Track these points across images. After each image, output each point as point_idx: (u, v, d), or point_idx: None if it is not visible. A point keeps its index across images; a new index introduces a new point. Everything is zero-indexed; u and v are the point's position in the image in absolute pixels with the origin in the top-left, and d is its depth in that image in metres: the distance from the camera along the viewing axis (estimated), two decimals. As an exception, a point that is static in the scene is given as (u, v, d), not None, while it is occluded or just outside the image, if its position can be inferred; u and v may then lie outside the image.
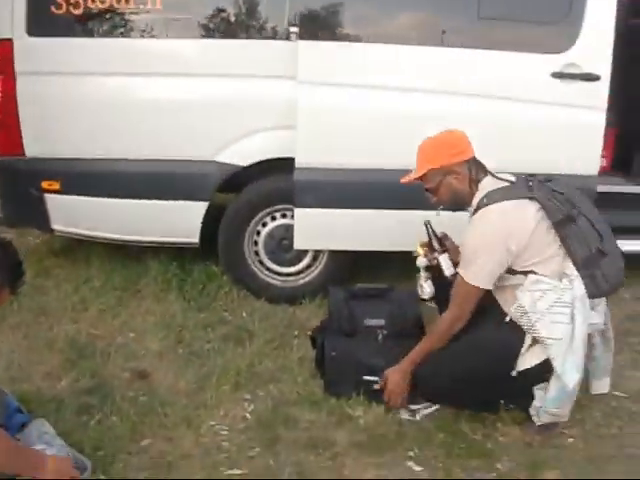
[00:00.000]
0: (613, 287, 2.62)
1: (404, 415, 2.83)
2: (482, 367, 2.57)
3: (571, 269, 2.54)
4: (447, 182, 2.66)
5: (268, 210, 3.68)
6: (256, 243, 3.75)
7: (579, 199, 2.62)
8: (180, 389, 2.97)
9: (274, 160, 3.56)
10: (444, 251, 2.85)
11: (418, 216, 3.45)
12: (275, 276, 3.80)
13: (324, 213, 3.52)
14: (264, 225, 3.73)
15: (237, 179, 3.62)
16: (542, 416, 2.64)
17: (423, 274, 2.88)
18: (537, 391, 2.62)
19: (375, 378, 2.78)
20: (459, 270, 2.62)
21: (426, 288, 2.87)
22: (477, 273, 2.56)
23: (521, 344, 2.56)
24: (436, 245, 2.85)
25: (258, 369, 3.13)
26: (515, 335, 2.57)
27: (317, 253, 3.75)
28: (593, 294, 2.56)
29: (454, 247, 2.92)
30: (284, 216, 3.70)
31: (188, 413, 2.77)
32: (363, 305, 2.92)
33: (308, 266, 3.78)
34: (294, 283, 3.80)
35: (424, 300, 2.93)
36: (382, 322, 2.85)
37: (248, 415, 2.82)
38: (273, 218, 3.72)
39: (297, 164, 3.40)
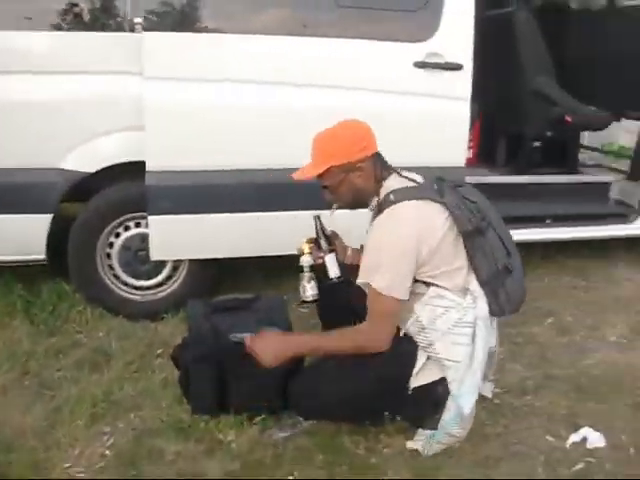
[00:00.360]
0: (515, 307, 2.49)
1: (280, 434, 2.61)
2: (372, 384, 2.38)
3: (475, 285, 2.38)
4: (349, 180, 2.38)
5: (120, 219, 3.37)
6: (109, 256, 3.42)
7: (489, 210, 2.46)
8: (27, 428, 2.62)
9: (124, 165, 3.26)
10: (332, 250, 2.64)
11: (285, 218, 3.31)
12: (133, 290, 3.49)
13: (181, 220, 3.25)
14: (117, 236, 3.41)
15: (84, 187, 3.28)
16: (434, 445, 2.48)
17: (307, 274, 2.63)
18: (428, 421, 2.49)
19: (244, 335, 2.47)
20: (369, 282, 2.30)
21: (308, 289, 2.64)
22: (394, 282, 2.27)
23: (414, 359, 2.40)
24: (324, 243, 2.64)
25: (117, 396, 2.83)
26: (409, 350, 2.40)
27: (177, 263, 3.48)
28: (494, 313, 2.42)
29: (342, 248, 2.72)
30: (138, 225, 3.40)
31: (37, 457, 2.45)
32: (228, 319, 2.67)
33: (168, 277, 3.50)
34: (154, 297, 3.51)
35: (305, 302, 2.70)
36: (249, 335, 2.59)
37: (107, 451, 2.53)
38: (126, 228, 3.41)
39: (148, 168, 3.11)
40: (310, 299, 2.66)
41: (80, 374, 2.97)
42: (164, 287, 3.50)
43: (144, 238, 3.35)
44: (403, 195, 2.32)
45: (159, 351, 3.21)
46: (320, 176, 2.38)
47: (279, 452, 2.52)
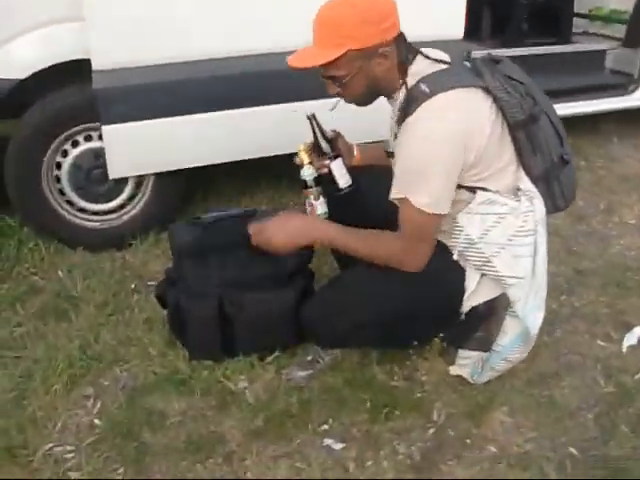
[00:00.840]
0: (569, 202, 2.08)
1: (299, 373, 2.22)
2: (413, 305, 1.95)
3: (527, 183, 1.94)
4: (368, 69, 1.84)
5: (66, 134, 2.78)
6: (59, 179, 2.85)
7: (537, 91, 1.98)
8: None
9: (62, 65, 2.63)
10: (337, 155, 2.14)
11: (263, 114, 2.79)
12: (91, 217, 2.95)
13: (140, 127, 2.69)
14: (65, 154, 2.83)
15: (15, 99, 2.67)
16: (486, 372, 2.12)
17: (313, 189, 2.14)
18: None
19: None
20: (407, 196, 1.83)
21: (318, 208, 2.15)
22: (438, 197, 1.82)
23: (463, 281, 1.98)
24: (325, 147, 2.13)
25: (95, 349, 2.36)
26: (457, 271, 1.98)
27: (140, 179, 2.93)
28: (548, 211, 2.01)
29: (348, 148, 2.23)
30: (89, 139, 2.83)
31: (10, 441, 1.98)
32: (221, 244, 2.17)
33: (131, 197, 2.96)
34: (117, 221, 2.98)
35: None
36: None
37: (96, 420, 2.09)
38: (75, 144, 2.83)
39: (94, 67, 2.52)
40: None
41: (45, 327, 2.47)
42: (127, 209, 2.98)
43: (98, 154, 2.79)
44: (437, 84, 1.82)
45: (133, 285, 2.73)
46: (327, 64, 1.84)
47: (305, 397, 2.12)
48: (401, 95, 1.90)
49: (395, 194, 1.87)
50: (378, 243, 1.94)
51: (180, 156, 2.84)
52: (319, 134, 2.13)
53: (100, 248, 2.93)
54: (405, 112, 1.87)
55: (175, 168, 2.85)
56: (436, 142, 1.77)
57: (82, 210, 2.92)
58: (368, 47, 1.80)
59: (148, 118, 2.69)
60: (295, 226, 1.99)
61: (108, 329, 2.45)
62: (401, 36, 1.87)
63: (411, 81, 1.87)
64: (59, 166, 2.83)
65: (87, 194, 2.89)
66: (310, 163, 2.14)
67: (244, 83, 2.74)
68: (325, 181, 2.16)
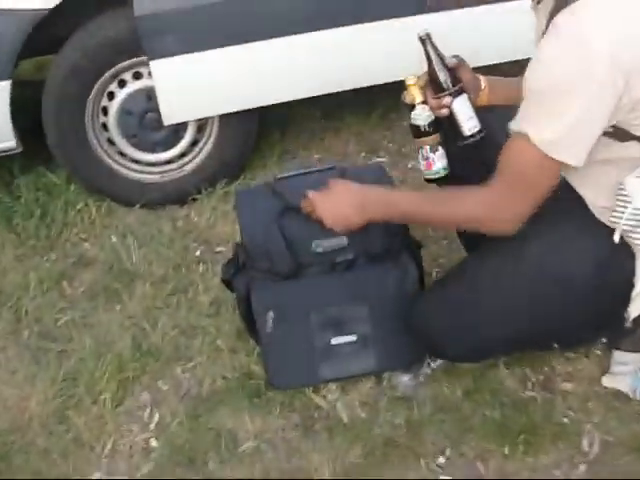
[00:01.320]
0: None
1: (407, 381, 1.72)
2: (571, 310, 1.43)
3: None
4: None
5: (110, 73, 2.29)
6: (106, 127, 2.38)
7: None
8: (30, 411, 1.76)
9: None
10: (460, 91, 1.55)
11: (357, 34, 2.22)
12: (148, 169, 2.48)
13: (199, 60, 2.17)
14: (111, 97, 2.34)
15: (47, 34, 2.17)
16: None
17: (429, 138, 1.58)
18: None
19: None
20: (522, 128, 1.31)
21: (435, 161, 1.59)
22: (566, 137, 1.27)
23: (633, 272, 1.41)
24: (445, 80, 1.55)
25: (152, 341, 1.94)
26: (624, 258, 1.40)
27: (202, 121, 2.42)
28: None
29: (473, 81, 1.61)
30: (138, 76, 2.32)
31: (49, 469, 1.60)
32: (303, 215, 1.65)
33: (193, 143, 2.46)
34: (178, 173, 2.50)
35: (429, 181, 1.65)
36: (343, 240, 1.61)
37: (153, 441, 1.69)
38: (122, 84, 2.34)
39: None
40: (438, 175, 1.63)
41: (94, 311, 2.07)
42: (189, 157, 2.49)
43: (150, 94, 2.30)
44: None
45: (198, 252, 2.28)
46: None
47: (414, 416, 1.64)
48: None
49: (514, 125, 1.32)
50: (456, 200, 1.45)
51: (251, 93, 2.32)
52: (436, 62, 1.54)
53: (159, 205, 2.47)
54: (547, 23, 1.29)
55: (245, 108, 2.33)
56: (570, 68, 1.22)
57: (137, 162, 2.46)
58: None
59: (208, 48, 2.17)
60: (345, 203, 1.52)
61: (167, 314, 2.02)
62: None
63: None
64: (105, 112, 2.35)
65: (141, 142, 2.42)
66: (424, 102, 1.57)
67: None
68: (444, 126, 1.60)
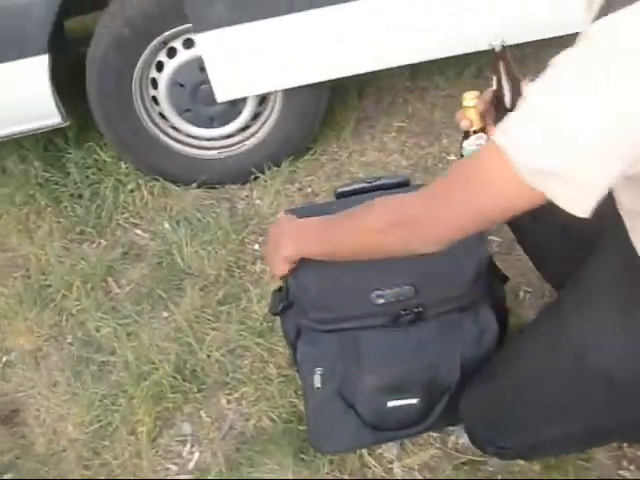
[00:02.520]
0: None
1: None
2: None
3: None
4: None
5: (158, 40, 2.01)
6: (156, 101, 2.12)
7: None
8: (67, 435, 1.67)
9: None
10: None
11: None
12: (204, 145, 2.23)
13: (251, 31, 1.87)
14: (160, 69, 2.07)
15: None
16: None
17: None
18: None
19: None
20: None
21: None
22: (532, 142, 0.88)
23: None
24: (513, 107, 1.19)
25: (197, 362, 1.75)
26: None
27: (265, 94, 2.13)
28: None
29: None
30: (189, 44, 2.04)
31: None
32: None
33: (255, 117, 2.18)
34: (238, 149, 2.23)
35: None
36: (410, 290, 1.32)
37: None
38: (171, 53, 2.06)
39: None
40: None
41: (138, 316, 1.88)
42: (251, 131, 2.21)
43: (203, 65, 2.01)
44: None
45: (256, 246, 2.04)
46: None
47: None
48: None
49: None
50: (360, 222, 1.12)
51: (315, 66, 2.00)
52: (506, 82, 1.20)
53: (218, 183, 2.23)
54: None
55: (307, 83, 2.02)
56: (590, 76, 0.83)
57: (191, 137, 2.20)
58: None
59: (262, 17, 1.85)
60: (279, 235, 1.29)
61: (216, 328, 1.81)
62: None
63: None
64: (155, 85, 2.09)
65: (195, 117, 2.16)
66: (483, 130, 1.23)
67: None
68: None
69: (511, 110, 1.04)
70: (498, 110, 1.21)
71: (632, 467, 1.39)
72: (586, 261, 1.17)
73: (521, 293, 1.75)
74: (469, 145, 1.25)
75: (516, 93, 1.18)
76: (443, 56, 2.01)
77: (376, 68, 2.03)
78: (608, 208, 1.11)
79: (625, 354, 1.07)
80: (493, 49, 1.18)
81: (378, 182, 1.47)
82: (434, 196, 1.02)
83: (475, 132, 1.23)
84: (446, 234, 1.01)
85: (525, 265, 1.79)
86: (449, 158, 2.19)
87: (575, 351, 1.12)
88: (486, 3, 1.89)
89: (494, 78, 1.20)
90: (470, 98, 1.22)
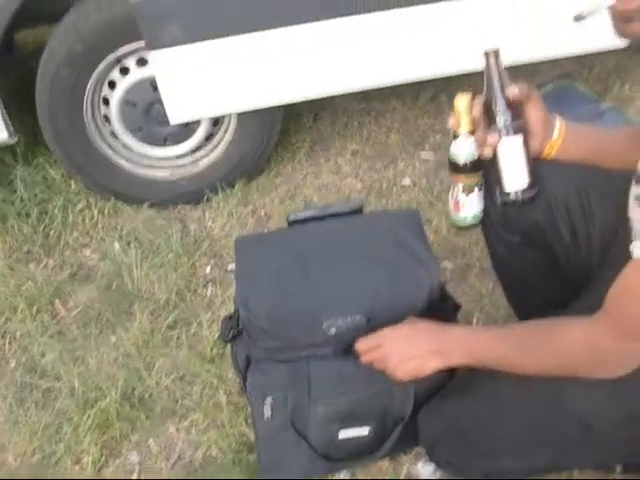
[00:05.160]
0: None
1: (427, 468, 1.45)
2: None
3: None
4: None
5: (111, 58, 1.98)
6: (108, 119, 2.09)
7: None
8: (7, 467, 1.60)
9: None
10: (518, 129, 1.17)
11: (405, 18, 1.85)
12: (157, 164, 2.19)
13: (205, 50, 1.84)
14: (112, 87, 2.04)
15: (37, 11, 1.88)
16: None
17: (466, 176, 1.27)
18: None
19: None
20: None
21: (465, 205, 1.29)
22: None
23: None
24: (501, 111, 1.17)
25: (146, 389, 1.70)
26: None
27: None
28: None
29: (542, 121, 1.18)
30: (142, 63, 2.01)
31: None
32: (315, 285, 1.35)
33: (207, 137, 2.15)
34: (191, 170, 2.21)
35: (460, 228, 1.36)
36: (362, 319, 1.30)
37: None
38: (124, 71, 2.02)
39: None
40: (464, 223, 1.32)
41: (85, 341, 1.83)
42: (203, 152, 2.19)
43: (156, 84, 1.98)
44: None
45: (208, 269, 2.01)
46: None
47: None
48: None
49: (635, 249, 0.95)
50: (552, 346, 1.08)
51: (270, 89, 1.98)
52: (495, 87, 1.18)
53: (171, 203, 2.20)
54: None
55: (263, 106, 2.01)
56: None
57: (143, 157, 2.17)
58: None
59: (218, 36, 1.83)
60: (421, 348, 1.20)
61: (165, 354, 1.77)
62: None
63: None
64: (107, 103, 2.06)
65: (149, 136, 2.13)
66: (472, 132, 1.23)
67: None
68: (489, 169, 1.25)
69: (502, 123, 1.12)
70: (487, 115, 1.20)
71: None
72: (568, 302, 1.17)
73: (474, 320, 1.75)
74: (455, 146, 1.25)
75: (502, 98, 1.18)
76: (397, 83, 2.02)
77: (331, 93, 2.03)
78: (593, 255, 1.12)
79: (607, 405, 1.07)
80: (485, 53, 1.17)
81: (331, 209, 1.47)
82: (619, 336, 1.00)
83: (463, 134, 1.23)
84: (631, 365, 1.03)
85: (479, 292, 1.81)
86: (403, 182, 2.20)
87: (552, 393, 1.11)
88: (441, 31, 1.90)
89: (485, 84, 1.20)
90: (461, 101, 1.21)
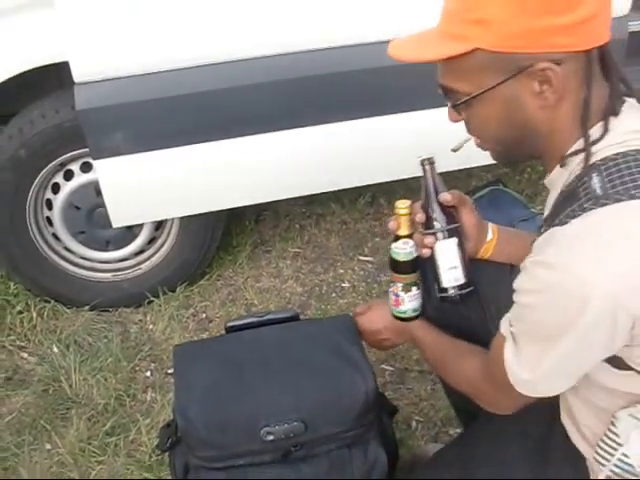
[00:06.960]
0: None
1: None
2: None
3: None
4: (515, 100, 0.98)
5: (56, 163, 2.01)
6: (51, 222, 2.10)
7: None
8: None
9: (47, 69, 1.83)
10: (452, 232, 1.26)
11: (324, 134, 1.94)
12: (98, 267, 2.20)
13: (149, 160, 1.89)
14: (56, 190, 2.07)
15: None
16: None
17: (406, 276, 1.32)
18: None
19: None
20: (506, 337, 1.05)
21: (405, 301, 1.33)
22: (540, 373, 1.02)
23: None
24: (438, 215, 1.26)
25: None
26: None
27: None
28: None
29: (476, 225, 1.30)
30: (86, 168, 2.05)
31: None
32: (253, 380, 1.37)
33: (150, 241, 2.19)
34: (133, 273, 2.22)
35: (401, 320, 1.37)
36: (299, 425, 1.32)
37: None
38: (68, 176, 2.06)
39: (76, 77, 1.72)
40: (405, 316, 1.35)
41: (18, 448, 1.79)
42: (145, 255, 2.22)
43: (99, 188, 2.01)
44: (623, 184, 0.94)
45: (148, 373, 2.00)
46: (449, 74, 1.01)
47: None
48: (568, 174, 1.02)
49: (501, 325, 1.08)
50: (462, 365, 1.26)
51: (211, 196, 2.04)
52: (429, 193, 1.26)
53: (112, 308, 2.20)
54: (557, 211, 1.00)
55: (203, 211, 2.06)
56: (565, 297, 0.93)
57: (85, 259, 2.18)
58: (518, 52, 0.94)
59: (160, 147, 1.89)
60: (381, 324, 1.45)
61: (102, 462, 1.73)
62: (604, 54, 1.00)
63: (602, 153, 0.98)
64: (50, 206, 2.08)
65: (91, 239, 2.15)
66: (410, 236, 1.30)
67: (296, 93, 1.89)
68: (427, 267, 1.31)
69: (436, 227, 1.25)
70: (426, 222, 1.27)
71: None
72: None
73: (413, 423, 1.77)
74: (395, 247, 1.31)
75: (437, 203, 1.26)
76: (336, 189, 2.10)
77: (271, 199, 2.10)
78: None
79: None
80: (422, 162, 1.25)
81: (267, 317, 1.51)
82: (492, 385, 1.13)
83: (402, 237, 1.30)
84: (515, 408, 1.13)
85: (417, 395, 1.84)
86: (343, 285, 2.25)
87: None
88: (376, 142, 2.00)
89: (422, 189, 1.27)
90: (401, 206, 1.29)
